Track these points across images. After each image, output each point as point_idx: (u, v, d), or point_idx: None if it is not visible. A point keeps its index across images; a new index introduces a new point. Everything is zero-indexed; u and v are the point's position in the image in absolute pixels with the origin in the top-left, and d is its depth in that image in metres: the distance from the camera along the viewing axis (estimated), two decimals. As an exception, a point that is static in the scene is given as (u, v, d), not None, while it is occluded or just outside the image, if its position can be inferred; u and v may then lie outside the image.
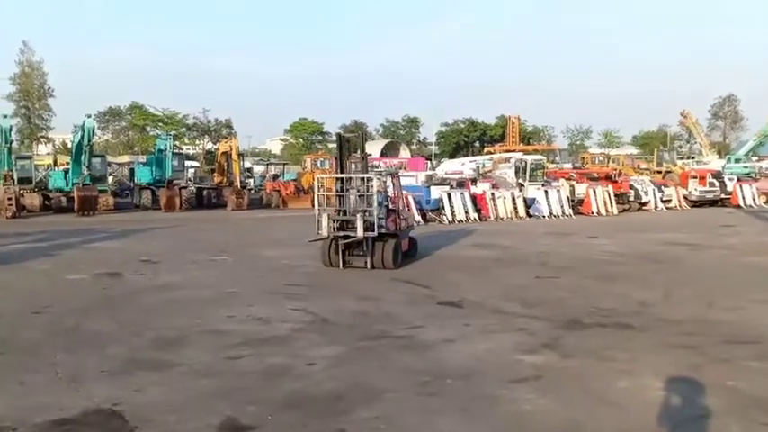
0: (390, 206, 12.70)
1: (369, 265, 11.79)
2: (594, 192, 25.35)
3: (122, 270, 12.15)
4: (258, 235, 18.75)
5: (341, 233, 11.79)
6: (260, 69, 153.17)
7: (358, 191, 11.74)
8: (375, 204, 11.60)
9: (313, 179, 34.00)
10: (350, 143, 12.50)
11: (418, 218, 21.60)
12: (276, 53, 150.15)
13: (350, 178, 11.89)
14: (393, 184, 13.13)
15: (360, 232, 11.45)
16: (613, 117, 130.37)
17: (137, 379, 6.19)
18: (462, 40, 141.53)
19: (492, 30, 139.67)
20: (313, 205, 29.44)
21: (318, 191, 12.41)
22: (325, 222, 11.71)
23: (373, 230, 11.56)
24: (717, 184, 28.85)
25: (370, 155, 12.26)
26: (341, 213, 11.97)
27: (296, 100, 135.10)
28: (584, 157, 49.93)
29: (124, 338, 7.55)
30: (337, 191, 12.01)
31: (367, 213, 11.60)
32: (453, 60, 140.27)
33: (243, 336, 7.61)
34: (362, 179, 11.69)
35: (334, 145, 12.02)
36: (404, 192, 19.34)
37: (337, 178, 12.05)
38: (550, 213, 23.94)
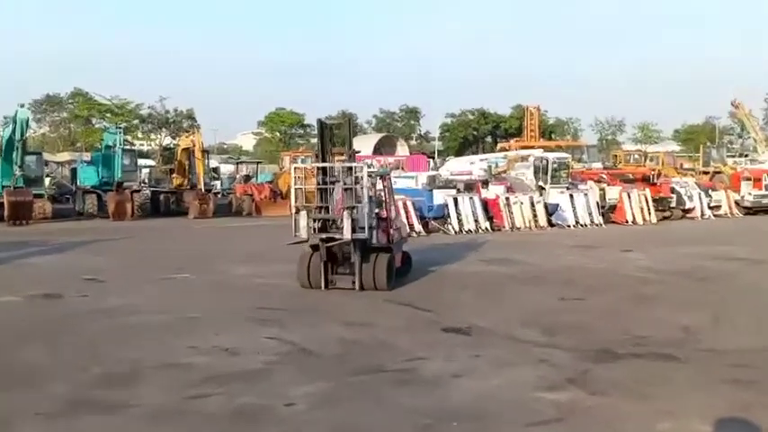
0: (380, 213, 12.72)
1: (357, 286, 11.76)
2: (629, 196, 25.47)
3: (62, 291, 12.11)
4: (226, 248, 18.72)
5: (323, 235, 11.70)
6: (229, 51, 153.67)
7: (344, 184, 11.62)
8: (365, 200, 11.45)
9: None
10: (333, 133, 12.46)
11: (419, 227, 21.65)
12: (248, 32, 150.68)
13: (333, 168, 11.81)
14: (384, 188, 13.16)
15: (347, 233, 11.33)
16: (651, 107, 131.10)
17: (81, 424, 6.17)
18: (470, 18, 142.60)
19: (505, 4, 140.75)
20: (292, 211, 29.95)
21: (295, 184, 12.16)
22: (303, 222, 11.59)
23: (363, 232, 11.47)
24: (775, 186, 29.07)
25: (360, 152, 12.24)
26: (323, 211, 11.86)
27: (272, 87, 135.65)
28: (616, 155, 50.12)
29: (65, 374, 7.53)
30: (318, 184, 11.84)
31: (355, 211, 11.50)
32: (460, 40, 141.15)
33: (207, 370, 7.61)
34: (349, 169, 11.65)
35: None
36: (397, 197, 19.40)
37: (318, 168, 11.81)
38: (576, 222, 24.02)
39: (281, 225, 26.05)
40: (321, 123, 11.93)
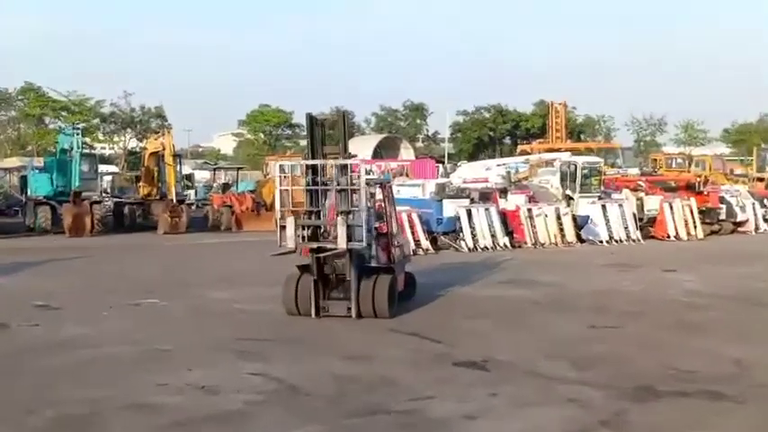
0: (379, 228, 12.72)
1: (353, 312, 11.74)
2: (671, 207, 25.49)
3: (8, 320, 12.09)
4: (202, 269, 18.75)
5: (314, 244, 11.66)
6: (204, 37, 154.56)
7: (338, 184, 11.57)
8: (363, 203, 11.41)
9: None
10: (325, 131, 12.40)
11: (426, 243, 21.67)
12: (227, 15, 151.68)
13: (325, 167, 11.77)
14: (384, 198, 13.16)
15: (341, 242, 11.26)
16: (697, 103, 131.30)
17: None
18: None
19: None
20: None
21: (281, 184, 12.04)
22: (290, 230, 11.56)
23: (361, 242, 11.43)
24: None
25: (357, 155, 12.20)
26: (313, 217, 11.85)
27: (255, 80, 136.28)
28: (655, 159, 50.23)
29: (12, 417, 7.51)
30: (308, 185, 11.77)
31: (351, 216, 11.48)
32: (471, 23, 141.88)
33: (179, 412, 7.59)
34: (343, 168, 11.59)
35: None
36: (400, 208, 19.40)
37: (308, 167, 11.73)
38: (610, 237, 24.03)
39: (266, 241, 26.05)
40: (311, 119, 11.94)
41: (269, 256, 12.43)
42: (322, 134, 12.26)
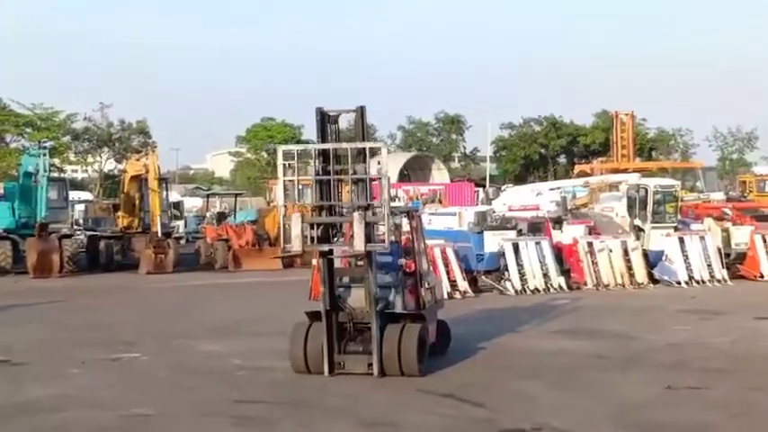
0: (406, 266, 12.68)
1: (376, 370, 11.68)
2: (764, 240, 25.20)
3: (-39, 378, 12.15)
4: (192, 316, 18.75)
5: (325, 246, 11.64)
6: (196, 38, 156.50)
7: (354, 172, 11.49)
8: (386, 197, 11.31)
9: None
10: (339, 129, 12.26)
11: (464, 285, 21.58)
12: (225, 14, 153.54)
13: (338, 156, 11.71)
14: (412, 230, 13.13)
15: (359, 243, 11.22)
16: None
17: None
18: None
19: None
20: (284, 263, 29.93)
21: (285, 174, 11.86)
22: (296, 229, 11.46)
23: (383, 244, 11.41)
24: None
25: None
26: (323, 213, 11.84)
27: (257, 89, 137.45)
28: (744, 182, 49.82)
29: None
30: (318, 174, 11.62)
31: (369, 212, 11.45)
32: (517, 18, 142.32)
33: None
34: (359, 153, 11.53)
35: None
36: (433, 242, 19.34)
37: (318, 152, 11.73)
38: (690, 277, 23.78)
39: (271, 283, 26.43)
40: (322, 114, 11.95)
41: (271, 258, 12.39)
42: (337, 132, 12.17)
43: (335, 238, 11.74)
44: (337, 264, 12.20)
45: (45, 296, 22.10)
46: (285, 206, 11.77)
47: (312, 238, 11.50)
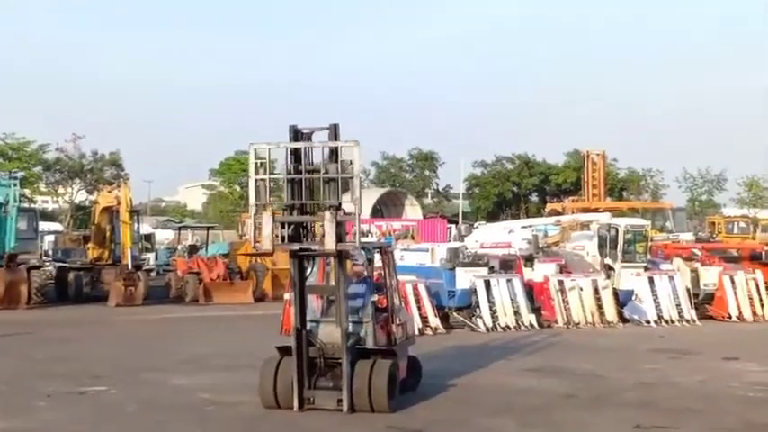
0: (378, 302, 12.69)
1: (346, 406, 11.63)
2: (732, 281, 25.38)
3: (-76, 409, 12.02)
4: (161, 349, 18.61)
5: (295, 246, 11.61)
6: (171, 70, 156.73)
7: (326, 171, 11.54)
8: (358, 196, 11.34)
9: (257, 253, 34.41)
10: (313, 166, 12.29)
11: (435, 321, 21.57)
12: (200, 43, 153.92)
13: (311, 149, 11.73)
14: (384, 266, 13.13)
15: (329, 242, 11.21)
16: (762, 156, 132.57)
17: None
18: (507, 29, 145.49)
19: (555, 18, 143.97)
20: (255, 297, 29.81)
21: (257, 173, 11.73)
22: (267, 228, 11.45)
23: (354, 242, 11.43)
24: None
25: (351, 215, 12.23)
26: (294, 212, 11.80)
27: (230, 121, 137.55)
28: (714, 223, 50.35)
29: None
30: (289, 172, 11.66)
31: (340, 212, 11.42)
32: (492, 57, 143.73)
33: None
34: (332, 152, 11.52)
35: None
36: (404, 277, 19.33)
37: (291, 152, 11.68)
38: (659, 317, 23.89)
39: (241, 317, 26.34)
40: (296, 132, 11.93)
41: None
42: (309, 149, 12.01)
43: (306, 239, 11.67)
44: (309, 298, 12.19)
45: (12, 328, 21.86)
46: (257, 205, 11.67)
47: (283, 238, 11.52)
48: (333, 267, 12.03)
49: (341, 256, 11.58)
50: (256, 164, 11.75)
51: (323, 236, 11.28)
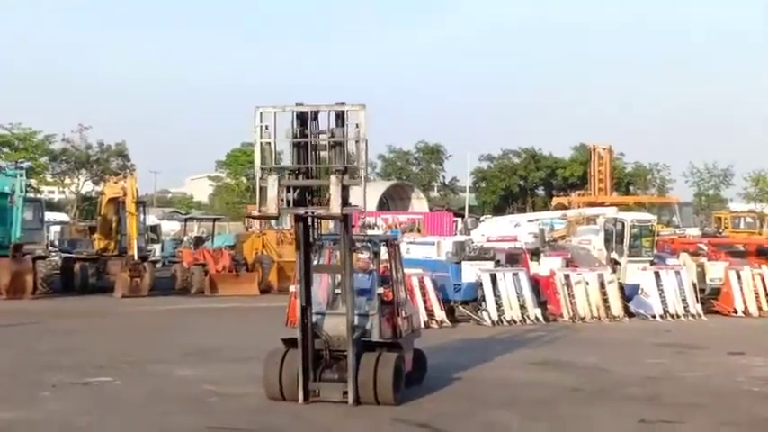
0: (384, 295, 12.63)
1: (351, 398, 11.63)
2: (738, 276, 25.33)
3: (-71, 399, 12.03)
4: (166, 340, 18.64)
5: (301, 210, 11.56)
6: (177, 64, 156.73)
7: (332, 135, 11.44)
8: (364, 160, 11.24)
9: (263, 245, 34.49)
10: (318, 123, 12.12)
11: (441, 314, 21.57)
12: (205, 39, 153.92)
13: (316, 113, 11.59)
14: (390, 259, 13.14)
15: (335, 205, 11.14)
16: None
17: None
18: (512, 23, 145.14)
19: (560, 12, 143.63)
20: (261, 289, 29.86)
21: (261, 137, 11.53)
22: (273, 191, 11.35)
23: (357, 206, 11.39)
24: None
25: (357, 207, 12.18)
26: (300, 176, 11.70)
27: (236, 114, 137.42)
28: (720, 218, 50.14)
29: None
30: (295, 136, 11.55)
31: (346, 176, 11.33)
32: (497, 52, 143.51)
33: None
34: (338, 116, 11.43)
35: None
36: (410, 270, 19.29)
37: (297, 116, 11.56)
38: (664, 311, 23.85)
39: (246, 308, 26.35)
40: (301, 119, 11.79)
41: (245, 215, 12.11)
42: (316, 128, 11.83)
43: (311, 203, 11.58)
44: (315, 290, 12.18)
45: (17, 318, 21.94)
46: (262, 169, 11.57)
47: (288, 202, 11.47)
48: (339, 254, 11.99)
49: (346, 221, 11.52)
50: (261, 127, 11.56)
51: (328, 200, 11.22)
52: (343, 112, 11.34)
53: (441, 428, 10.72)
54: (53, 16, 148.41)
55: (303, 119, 11.49)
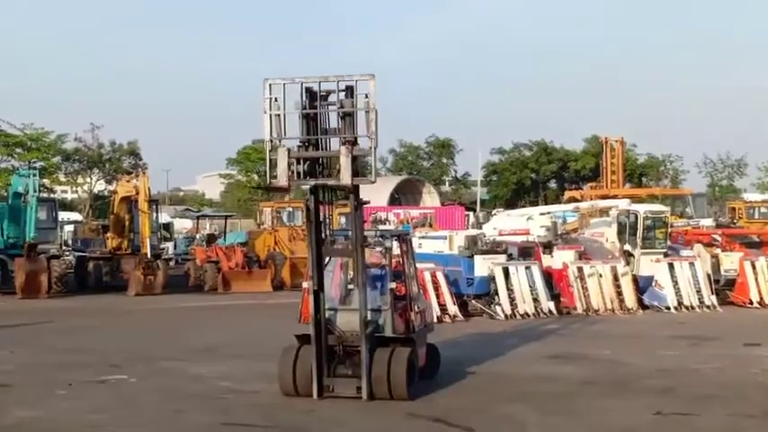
0: (396, 290, 12.66)
1: (365, 393, 11.67)
2: (753, 267, 25.23)
3: (-54, 399, 12.09)
4: (180, 338, 18.69)
5: (311, 181, 11.56)
6: (187, 60, 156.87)
7: (341, 106, 11.47)
8: (374, 129, 11.19)
9: (275, 241, 34.55)
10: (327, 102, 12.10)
11: (453, 309, 21.56)
12: (215, 35, 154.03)
13: (326, 95, 11.60)
14: (402, 254, 13.15)
15: (346, 176, 11.17)
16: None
17: None
18: (523, 20, 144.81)
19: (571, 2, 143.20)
20: (274, 285, 29.89)
21: (270, 108, 11.50)
22: (283, 163, 11.36)
23: (370, 175, 11.41)
24: None
25: (368, 202, 12.17)
26: (310, 148, 11.69)
27: (247, 111, 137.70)
28: (734, 208, 49.92)
29: None
30: (304, 107, 11.52)
31: (355, 146, 11.35)
32: (509, 43, 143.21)
33: None
34: (347, 88, 11.43)
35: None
36: (422, 265, 19.29)
37: (306, 89, 11.54)
38: (679, 303, 23.80)
39: (260, 305, 26.38)
40: (310, 93, 11.78)
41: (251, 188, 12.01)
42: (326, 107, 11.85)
43: (321, 175, 11.58)
44: (327, 286, 12.21)
45: (32, 317, 22.01)
46: (271, 141, 11.55)
47: (298, 174, 11.46)
48: (350, 259, 12.00)
49: (357, 192, 11.50)
50: (271, 99, 11.52)
51: (338, 171, 11.22)
52: (352, 86, 11.30)
53: (454, 423, 10.71)
54: (64, 8, 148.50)
55: (312, 94, 11.46)
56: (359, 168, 11.39)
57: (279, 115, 11.50)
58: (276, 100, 11.53)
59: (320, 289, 11.78)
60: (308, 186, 11.76)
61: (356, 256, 11.73)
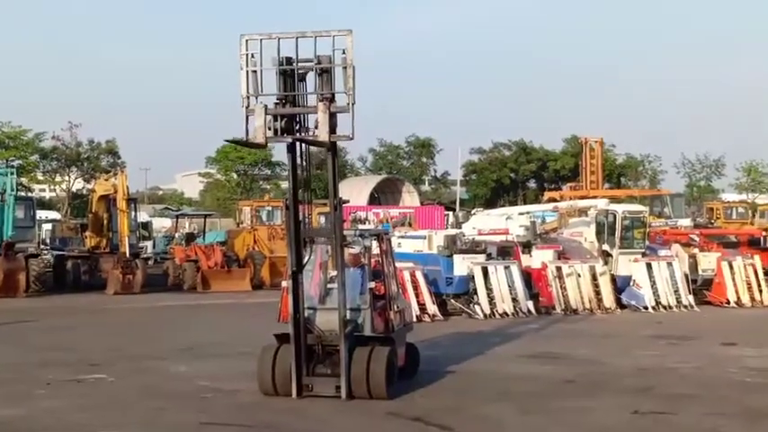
0: (376, 289, 12.67)
1: (344, 392, 11.68)
2: (731, 267, 25.38)
3: None
4: (159, 337, 18.66)
5: (289, 138, 11.52)
6: (167, 61, 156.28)
7: (318, 62, 11.38)
8: (351, 85, 11.23)
9: (254, 240, 34.45)
10: (306, 85, 11.90)
11: (433, 308, 21.59)
12: (196, 36, 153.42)
13: (304, 73, 11.51)
14: (381, 253, 13.15)
15: (323, 132, 11.15)
16: (762, 141, 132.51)
17: None
18: (501, 12, 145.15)
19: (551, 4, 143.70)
20: (253, 284, 29.87)
21: (247, 65, 11.42)
22: (260, 119, 11.29)
23: (349, 134, 11.39)
24: None
25: (348, 201, 12.19)
26: (286, 104, 11.65)
27: (227, 111, 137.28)
28: (712, 209, 50.28)
29: None
30: (281, 63, 11.45)
31: (333, 103, 11.32)
32: (489, 42, 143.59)
33: None
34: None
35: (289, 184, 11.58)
36: (402, 264, 19.30)
37: (284, 61, 11.52)
38: (657, 302, 23.91)
39: (239, 304, 26.34)
40: (286, 60, 11.74)
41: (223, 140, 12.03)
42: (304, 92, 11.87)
43: (299, 132, 11.57)
44: (306, 286, 12.23)
45: (10, 316, 21.88)
46: (248, 98, 11.51)
47: (276, 130, 11.45)
48: (331, 252, 12.02)
49: (334, 148, 11.50)
50: (247, 55, 11.49)
51: (316, 127, 11.22)
52: (331, 39, 11.31)
53: (434, 422, 10.72)
54: (44, 5, 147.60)
55: (288, 59, 11.43)
56: (336, 125, 11.33)
57: (255, 71, 11.47)
58: (253, 56, 11.49)
59: (299, 270, 11.74)
60: (285, 143, 11.67)
61: (336, 254, 11.76)
